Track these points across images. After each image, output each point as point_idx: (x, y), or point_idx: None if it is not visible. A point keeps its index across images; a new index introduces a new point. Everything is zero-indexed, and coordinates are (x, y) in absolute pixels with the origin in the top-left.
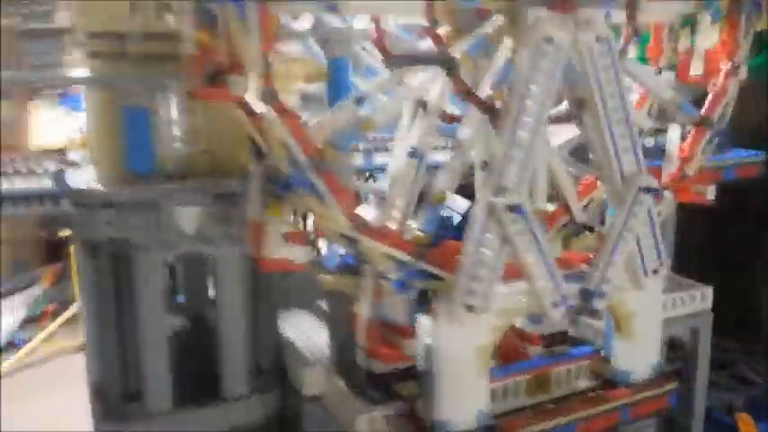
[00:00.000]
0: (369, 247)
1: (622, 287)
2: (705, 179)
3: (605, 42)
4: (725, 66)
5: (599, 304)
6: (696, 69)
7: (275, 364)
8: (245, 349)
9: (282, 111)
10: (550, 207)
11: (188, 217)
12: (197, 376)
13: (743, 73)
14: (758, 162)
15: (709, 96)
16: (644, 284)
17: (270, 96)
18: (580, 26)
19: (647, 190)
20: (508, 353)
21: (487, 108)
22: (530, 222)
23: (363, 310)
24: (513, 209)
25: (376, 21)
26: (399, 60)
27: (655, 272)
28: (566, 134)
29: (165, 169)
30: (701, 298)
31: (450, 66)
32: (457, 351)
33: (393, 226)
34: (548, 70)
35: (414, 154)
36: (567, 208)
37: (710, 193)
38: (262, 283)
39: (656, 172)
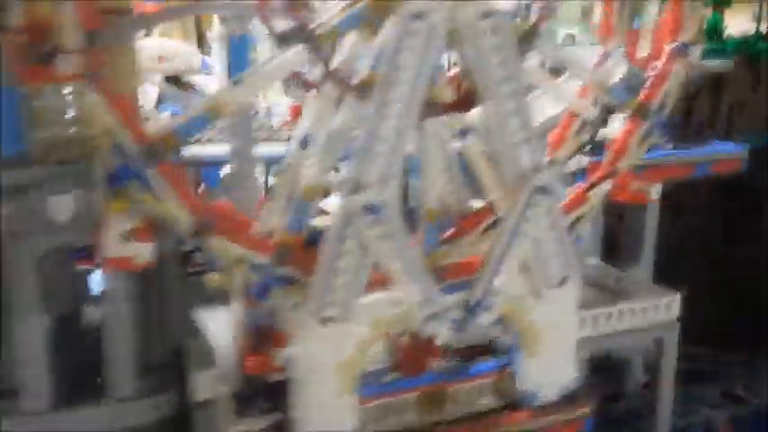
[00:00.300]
0: (218, 248)
1: (522, 298)
2: (648, 176)
3: (494, 19)
4: (668, 46)
5: (485, 318)
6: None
7: (174, 364)
8: (130, 347)
9: (109, 93)
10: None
11: (61, 205)
12: (87, 374)
13: (694, 55)
14: (739, 156)
15: (648, 80)
16: (549, 296)
17: (93, 78)
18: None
19: (544, 190)
20: (409, 366)
21: (357, 91)
22: (391, 225)
23: (234, 312)
24: (370, 210)
25: None
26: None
27: (562, 282)
28: None
29: (46, 154)
30: (665, 307)
31: (306, 41)
32: (316, 366)
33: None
34: (418, 52)
35: (304, 143)
36: (491, 205)
37: (653, 193)
38: (156, 278)
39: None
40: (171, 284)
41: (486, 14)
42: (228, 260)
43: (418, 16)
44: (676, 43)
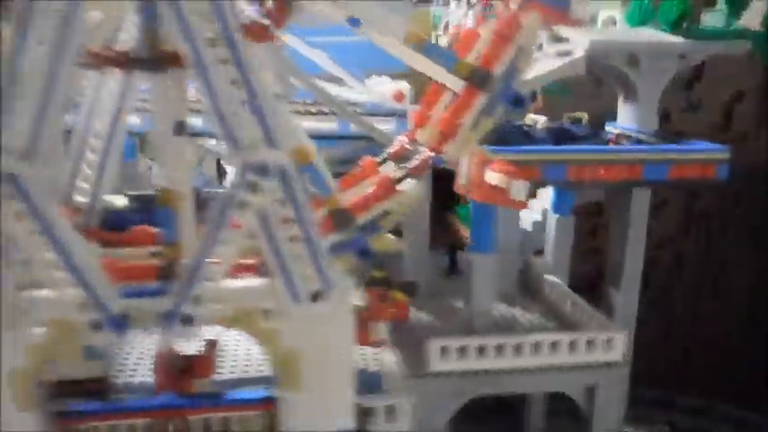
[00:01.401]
0: None
1: (271, 316)
2: (574, 175)
3: None
4: None
5: (185, 332)
6: None
7: None
8: None
9: None
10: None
11: None
12: None
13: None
14: (716, 159)
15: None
16: (297, 313)
17: None
18: None
19: (265, 171)
20: (164, 383)
21: None
22: (34, 203)
23: None
24: (7, 180)
25: None
26: None
27: (315, 297)
28: None
29: None
30: (603, 345)
31: None
32: None
33: None
34: None
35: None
36: None
37: (517, 191)
38: None
39: None
40: None
41: None
42: None
43: None
44: None
